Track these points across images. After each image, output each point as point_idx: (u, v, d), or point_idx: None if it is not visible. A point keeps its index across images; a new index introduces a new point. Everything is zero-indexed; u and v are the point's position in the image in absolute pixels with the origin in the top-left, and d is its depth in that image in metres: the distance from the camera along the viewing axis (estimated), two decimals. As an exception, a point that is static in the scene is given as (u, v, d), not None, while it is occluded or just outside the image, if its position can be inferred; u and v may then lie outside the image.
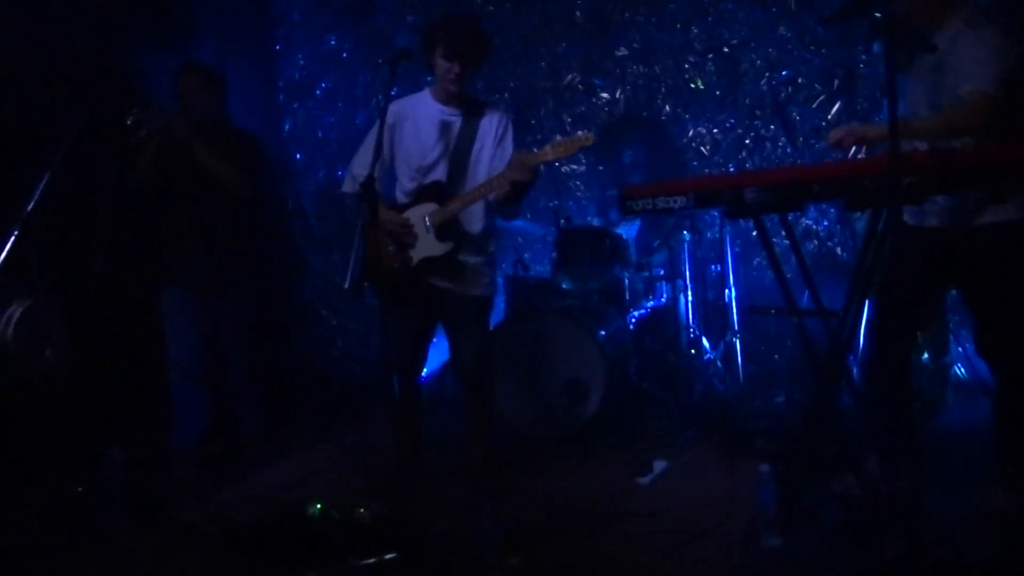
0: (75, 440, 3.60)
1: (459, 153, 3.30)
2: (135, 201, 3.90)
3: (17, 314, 3.29)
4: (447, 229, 3.25)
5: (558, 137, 3.12)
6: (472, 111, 3.33)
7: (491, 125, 3.33)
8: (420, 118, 3.33)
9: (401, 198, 3.41)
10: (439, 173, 3.31)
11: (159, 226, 3.98)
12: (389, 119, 3.27)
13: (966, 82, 2.61)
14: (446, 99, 3.32)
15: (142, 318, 4.08)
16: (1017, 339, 2.83)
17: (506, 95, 5.80)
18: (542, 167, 3.13)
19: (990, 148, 2.50)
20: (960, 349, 4.19)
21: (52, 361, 3.36)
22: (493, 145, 3.32)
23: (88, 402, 3.77)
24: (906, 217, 2.89)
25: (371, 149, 3.13)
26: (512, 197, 3.16)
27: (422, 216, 3.28)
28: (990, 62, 2.59)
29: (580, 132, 3.13)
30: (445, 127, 3.31)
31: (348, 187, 3.44)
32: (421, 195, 3.32)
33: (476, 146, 3.31)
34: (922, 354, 4.01)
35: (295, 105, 6.42)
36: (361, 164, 3.33)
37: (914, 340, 3.17)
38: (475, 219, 3.34)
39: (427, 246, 3.27)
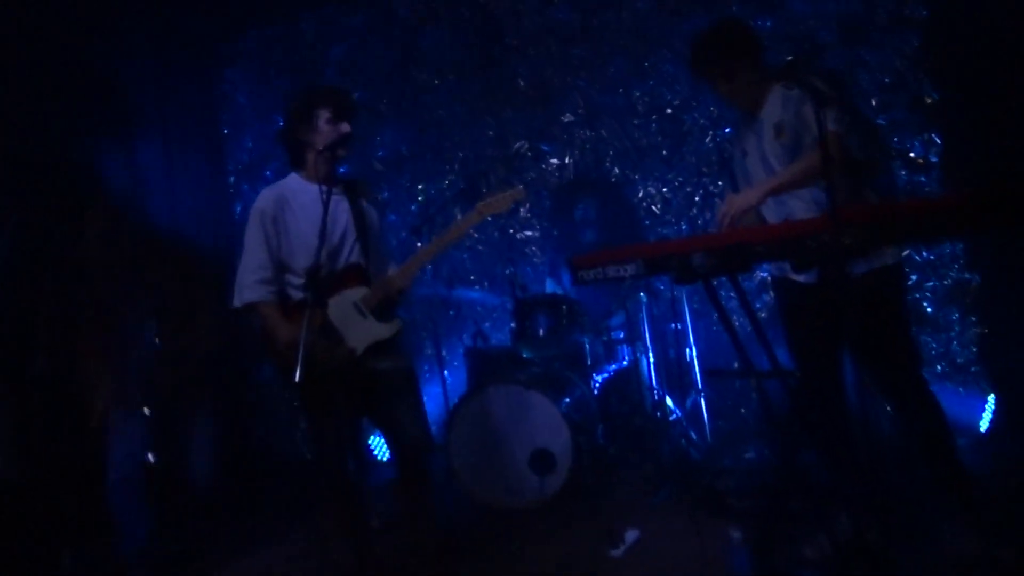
0: (25, 546, 3.45)
1: (361, 231, 3.12)
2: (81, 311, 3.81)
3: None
4: (386, 309, 3.10)
5: (484, 198, 3.09)
6: (348, 187, 3.18)
7: (369, 207, 3.23)
8: (305, 204, 3.08)
9: (295, 294, 3.09)
10: (353, 256, 3.12)
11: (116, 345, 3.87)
12: (269, 211, 3.07)
13: (813, 129, 2.73)
14: (321, 177, 3.03)
15: (87, 420, 3.96)
16: (901, 375, 2.95)
17: (456, 165, 5.83)
18: (473, 233, 3.10)
19: (927, 201, 2.55)
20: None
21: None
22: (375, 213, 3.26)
23: (37, 506, 3.63)
24: (795, 276, 2.99)
25: (263, 250, 3.02)
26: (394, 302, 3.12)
27: (351, 303, 3.07)
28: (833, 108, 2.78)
29: (508, 189, 3.09)
30: (335, 207, 3.05)
31: (238, 301, 3.09)
32: (340, 282, 3.08)
33: (370, 220, 3.19)
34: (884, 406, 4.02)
35: (245, 187, 6.40)
36: (252, 270, 3.05)
37: (839, 386, 3.16)
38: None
39: (371, 331, 3.07)
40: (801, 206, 3.03)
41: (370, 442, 4.96)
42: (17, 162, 4.27)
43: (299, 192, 3.12)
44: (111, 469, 3.73)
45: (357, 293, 3.08)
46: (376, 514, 3.80)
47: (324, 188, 2.90)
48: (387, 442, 3.30)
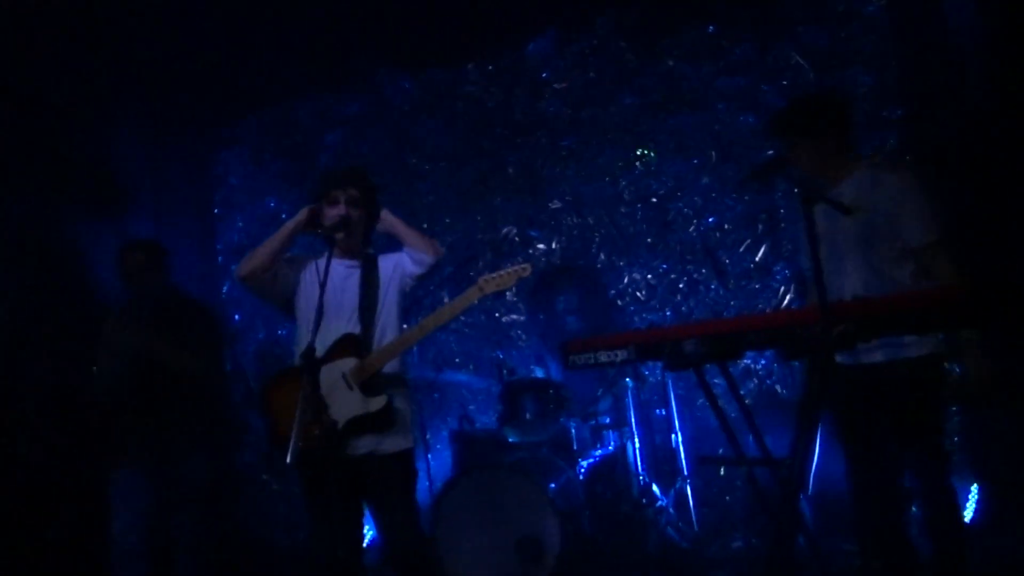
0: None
1: (366, 303, 3.15)
2: (89, 390, 3.80)
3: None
4: (374, 383, 3.03)
5: (492, 273, 3.05)
6: (370, 260, 3.24)
7: (387, 265, 3.24)
8: (318, 272, 3.08)
9: (296, 360, 3.09)
10: (349, 326, 3.12)
11: (112, 411, 3.85)
12: (296, 258, 3.28)
13: (918, 234, 2.88)
14: (343, 253, 3.18)
15: (86, 500, 3.89)
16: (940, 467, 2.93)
17: (445, 249, 5.88)
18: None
19: (916, 293, 2.62)
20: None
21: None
22: (397, 280, 3.23)
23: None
24: (839, 358, 3.01)
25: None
26: (404, 235, 3.21)
27: (340, 374, 3.03)
28: (929, 208, 2.89)
29: (515, 266, 3.04)
30: (345, 278, 3.18)
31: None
32: (333, 351, 3.06)
33: (381, 292, 3.18)
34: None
35: (233, 267, 6.42)
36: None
37: (899, 489, 3.15)
38: (391, 366, 3.12)
39: (354, 404, 3.00)
40: (854, 281, 3.03)
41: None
42: (12, 242, 4.30)
43: (320, 263, 3.13)
44: (115, 542, 3.67)
45: (347, 364, 3.04)
46: None
47: (324, 264, 2.95)
48: (378, 535, 3.16)
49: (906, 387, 2.94)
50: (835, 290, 3.08)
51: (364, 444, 3.03)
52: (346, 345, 3.07)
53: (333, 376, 3.03)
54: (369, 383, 3.03)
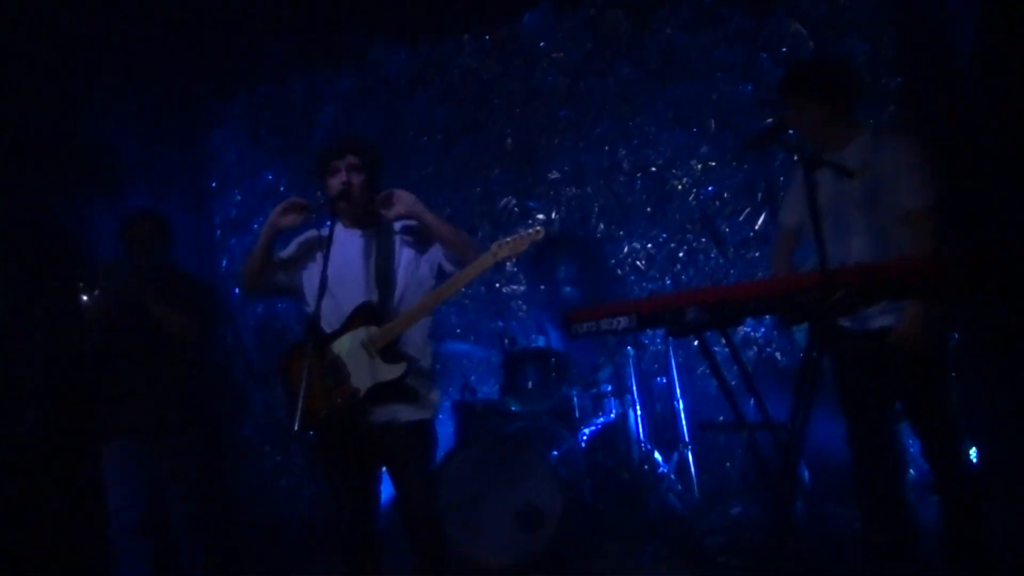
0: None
1: (381, 271, 3.13)
2: (78, 357, 3.77)
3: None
4: (393, 351, 3.03)
5: (506, 238, 2.97)
6: (383, 226, 3.21)
7: (404, 246, 3.20)
8: (332, 242, 3.11)
9: (304, 333, 3.05)
10: (367, 294, 3.11)
11: (103, 380, 3.81)
12: (302, 237, 3.26)
13: (914, 198, 2.90)
14: (354, 221, 3.22)
15: (79, 476, 3.90)
16: (945, 439, 2.95)
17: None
18: (427, 220, 3.03)
19: (913, 259, 2.64)
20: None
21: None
22: (411, 246, 3.19)
23: (22, 566, 3.56)
24: (846, 323, 3.04)
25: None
26: (429, 229, 3.07)
27: (359, 342, 3.04)
28: (927, 175, 2.92)
29: (528, 230, 2.96)
30: (358, 247, 3.19)
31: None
32: (351, 320, 3.08)
33: (396, 259, 3.17)
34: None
35: (232, 241, 6.44)
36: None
37: (898, 450, 3.19)
38: (413, 335, 3.13)
39: (373, 372, 3.01)
40: (861, 243, 3.05)
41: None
42: (6, 220, 4.29)
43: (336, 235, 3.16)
44: (112, 517, 3.67)
45: (366, 333, 3.05)
46: None
47: (326, 232, 2.98)
48: (397, 502, 3.18)
49: (909, 353, 2.95)
50: (840, 255, 3.09)
51: (384, 413, 3.05)
52: (364, 313, 3.07)
53: (353, 344, 3.05)
54: (388, 351, 3.02)
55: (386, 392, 3.03)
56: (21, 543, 3.62)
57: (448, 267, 3.17)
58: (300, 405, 2.65)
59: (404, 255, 3.17)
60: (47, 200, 4.66)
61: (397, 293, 3.14)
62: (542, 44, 5.74)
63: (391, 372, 3.00)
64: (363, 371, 3.02)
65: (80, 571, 3.92)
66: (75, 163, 4.99)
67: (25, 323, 3.80)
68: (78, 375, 3.89)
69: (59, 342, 3.79)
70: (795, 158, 2.55)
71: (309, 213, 3.11)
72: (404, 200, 3.07)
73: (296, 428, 2.65)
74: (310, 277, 3.22)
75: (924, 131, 4.58)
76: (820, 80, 3.12)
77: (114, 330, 3.73)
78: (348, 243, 3.19)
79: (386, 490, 3.28)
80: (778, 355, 5.12)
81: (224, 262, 6.45)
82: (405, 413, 3.07)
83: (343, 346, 3.07)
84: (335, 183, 3.12)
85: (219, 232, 6.50)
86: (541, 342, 5.14)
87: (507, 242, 2.95)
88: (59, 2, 4.52)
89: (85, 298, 3.56)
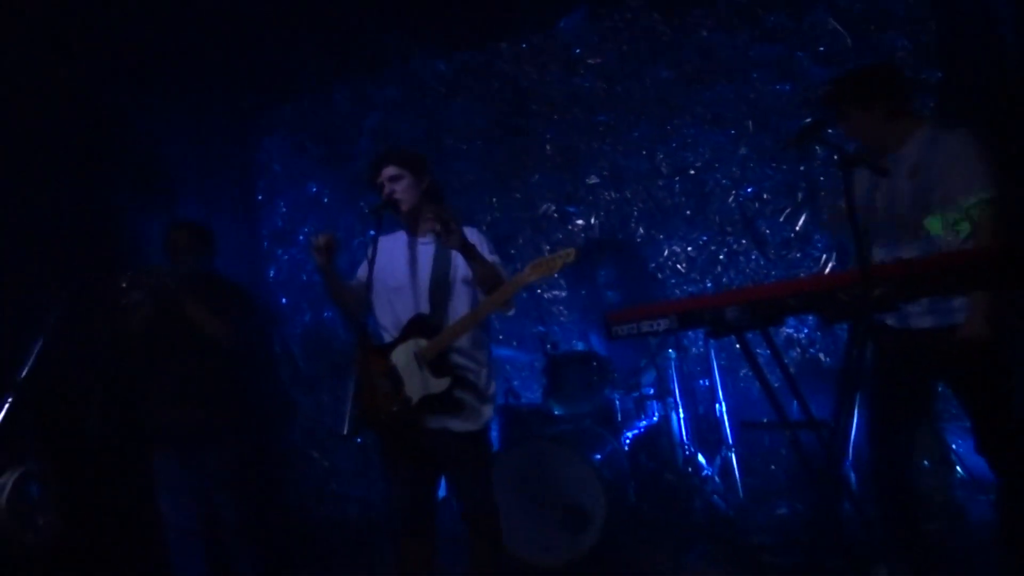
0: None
1: (436, 281, 3.17)
2: (126, 363, 3.89)
3: (10, 483, 3.25)
4: (441, 363, 3.08)
5: (537, 258, 3.03)
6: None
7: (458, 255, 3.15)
8: (392, 251, 3.29)
9: (384, 336, 3.27)
10: (419, 305, 3.17)
11: (149, 386, 3.93)
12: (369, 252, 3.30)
13: (970, 192, 2.86)
14: (413, 228, 3.29)
15: (135, 480, 4.03)
16: (1009, 433, 2.89)
17: (484, 228, 5.98)
18: (519, 287, 3.01)
19: (956, 253, 2.62)
20: (954, 447, 4.22)
21: (45, 530, 3.29)
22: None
23: (83, 569, 3.68)
24: (890, 321, 3.03)
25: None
26: (465, 257, 3.04)
27: (411, 353, 3.10)
28: (982, 166, 2.88)
29: (560, 250, 3.01)
30: (416, 256, 3.23)
31: None
32: (407, 331, 3.15)
33: (452, 270, 3.19)
34: (921, 460, 4.02)
35: (279, 251, 6.58)
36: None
37: (910, 444, 3.20)
38: (466, 350, 3.17)
39: (424, 383, 3.08)
40: (917, 241, 3.03)
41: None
42: (64, 230, 4.44)
43: (393, 242, 3.32)
44: (166, 522, 3.78)
45: (416, 344, 3.12)
46: None
47: (371, 239, 3.09)
48: (456, 505, 3.27)
49: (958, 355, 2.90)
50: (896, 253, 3.08)
51: (437, 420, 3.12)
52: (416, 325, 3.15)
53: (407, 355, 3.12)
54: (436, 363, 3.09)
55: (435, 403, 3.10)
56: (85, 546, 3.74)
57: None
58: (349, 409, 2.72)
59: (460, 267, 3.19)
60: (109, 211, 4.83)
61: (451, 305, 3.18)
62: (578, 50, 5.79)
63: (438, 385, 3.07)
64: (414, 382, 3.11)
65: (141, 571, 4.04)
66: (130, 175, 5.15)
67: (88, 329, 3.93)
68: (129, 382, 4.00)
69: (113, 347, 3.91)
70: (835, 157, 2.55)
71: (333, 246, 3.16)
72: (455, 237, 3.03)
73: (346, 432, 2.72)
74: (384, 282, 3.30)
75: (966, 125, 4.54)
76: (859, 86, 3.12)
77: (157, 334, 3.84)
78: (409, 251, 3.27)
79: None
80: (822, 356, 5.09)
81: (272, 272, 6.59)
82: (455, 424, 3.13)
83: (399, 356, 3.15)
84: (384, 195, 3.23)
85: (266, 243, 6.65)
86: (582, 346, 5.18)
87: (541, 262, 2.99)
88: (113, 19, 4.68)
89: (129, 299, 3.68)
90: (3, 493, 3.22)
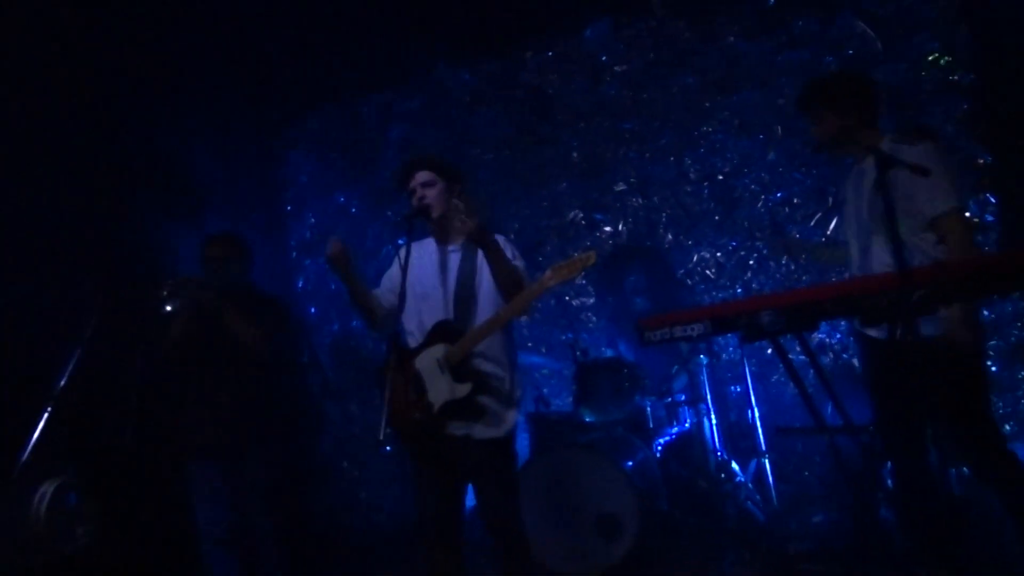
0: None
1: (462, 288, 3.16)
2: (162, 373, 3.93)
3: (49, 493, 3.27)
4: (463, 369, 3.07)
5: (558, 262, 3.01)
6: (470, 243, 3.19)
7: (483, 262, 3.13)
8: (421, 257, 3.27)
9: (410, 342, 3.24)
10: (445, 311, 3.16)
11: (185, 396, 3.97)
12: (395, 261, 3.34)
13: (935, 204, 2.92)
14: (442, 236, 3.29)
15: (172, 489, 4.06)
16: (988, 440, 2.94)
17: (511, 236, 5.98)
18: (547, 290, 3.02)
19: (996, 256, 2.61)
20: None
21: (84, 539, 3.31)
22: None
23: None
24: (873, 332, 3.03)
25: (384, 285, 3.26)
26: (487, 256, 3.04)
27: (434, 359, 3.10)
28: (947, 179, 2.92)
29: (578, 253, 3.00)
30: (444, 263, 3.24)
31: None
32: (431, 337, 3.15)
33: (478, 277, 3.18)
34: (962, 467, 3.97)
35: (307, 262, 6.62)
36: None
37: (924, 448, 3.14)
38: (490, 355, 3.14)
39: (446, 389, 3.06)
40: (883, 253, 3.07)
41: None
42: (95, 242, 4.50)
43: (422, 249, 3.32)
44: (202, 531, 3.81)
45: (440, 350, 3.11)
46: None
47: (404, 248, 3.06)
48: (479, 511, 3.23)
49: (940, 364, 2.91)
50: (864, 265, 3.14)
51: (459, 427, 3.11)
52: (440, 331, 3.15)
53: (430, 361, 3.12)
54: (458, 369, 3.08)
55: (458, 409, 3.08)
56: (123, 556, 3.77)
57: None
58: (384, 417, 2.72)
59: (486, 274, 3.16)
60: (138, 225, 4.89)
61: (476, 311, 3.17)
62: (604, 57, 5.79)
63: (459, 391, 3.06)
64: (437, 387, 3.10)
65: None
66: (160, 188, 5.21)
67: (121, 341, 3.96)
68: (165, 392, 4.04)
69: (149, 357, 3.94)
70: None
71: (347, 253, 3.18)
72: (473, 224, 3.05)
73: (381, 438, 2.71)
74: (393, 287, 3.34)
75: (999, 127, 4.50)
76: (837, 91, 3.20)
77: (194, 342, 3.88)
78: (437, 258, 3.28)
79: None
80: (855, 361, 5.03)
81: (300, 282, 6.64)
82: (479, 430, 3.10)
83: (423, 362, 3.15)
84: (413, 202, 3.23)
85: (295, 253, 6.70)
86: (611, 353, 5.16)
87: (561, 266, 2.98)
88: (139, 33, 4.75)
89: (168, 308, 3.71)
90: (42, 503, 3.24)
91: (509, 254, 3.15)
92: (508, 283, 3.07)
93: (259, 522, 3.94)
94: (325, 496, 6.21)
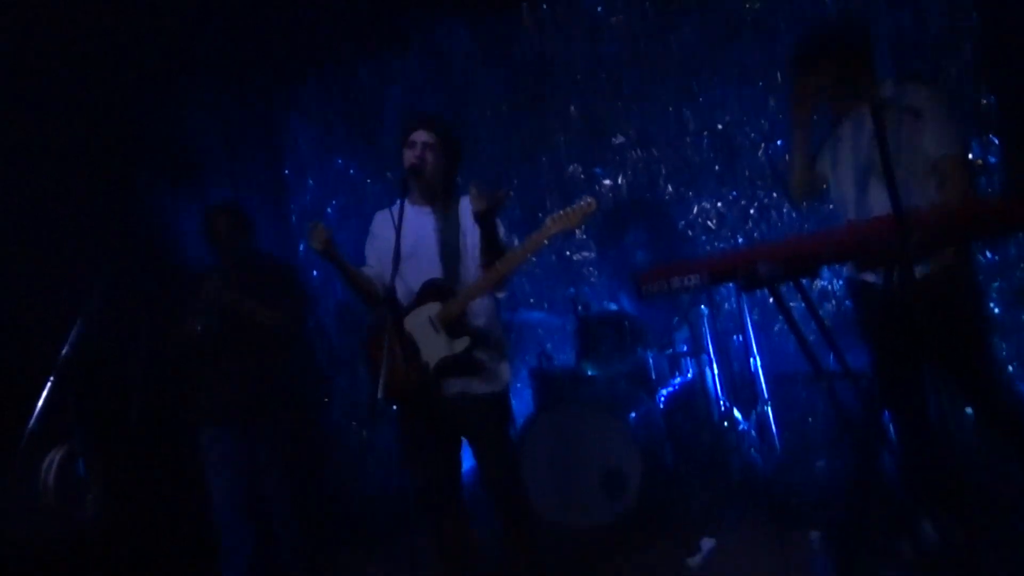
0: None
1: (446, 247, 3.22)
2: (175, 349, 3.94)
3: (57, 460, 3.31)
4: (457, 326, 3.11)
5: (559, 211, 2.99)
6: (447, 203, 3.29)
7: (468, 208, 3.15)
8: (394, 218, 3.16)
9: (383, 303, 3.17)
10: (432, 271, 3.21)
11: (198, 369, 3.96)
12: (372, 230, 3.42)
13: (940, 146, 2.87)
14: (419, 199, 3.31)
15: (183, 457, 4.10)
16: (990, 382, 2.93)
17: (511, 193, 5.93)
18: (545, 242, 3.00)
19: (989, 201, 2.58)
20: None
21: (93, 506, 3.36)
22: (475, 228, 3.12)
23: (131, 546, 3.77)
24: (870, 278, 3.01)
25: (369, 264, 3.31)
26: (485, 236, 3.04)
27: (427, 318, 3.15)
28: (953, 122, 2.90)
29: (579, 202, 2.97)
30: (422, 224, 3.26)
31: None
32: (419, 297, 3.20)
33: (462, 238, 3.23)
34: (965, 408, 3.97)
35: (308, 227, 6.58)
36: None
37: (923, 393, 3.14)
38: (481, 311, 3.21)
39: (441, 347, 3.11)
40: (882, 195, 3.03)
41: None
42: (96, 214, 4.49)
43: (394, 211, 3.24)
44: (215, 498, 3.85)
45: (432, 309, 3.14)
46: None
47: (396, 209, 3.04)
48: (478, 470, 3.28)
49: (939, 305, 2.86)
50: (861, 207, 3.10)
51: (456, 384, 3.15)
52: (430, 290, 3.17)
53: (422, 320, 3.15)
54: (453, 326, 3.11)
55: (454, 366, 3.12)
56: (133, 523, 3.83)
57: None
58: (382, 378, 2.73)
59: (471, 231, 3.19)
60: (136, 192, 4.88)
61: (464, 269, 3.21)
62: (600, 9, 5.69)
63: (456, 347, 3.09)
64: (431, 346, 3.13)
65: (189, 548, 4.13)
66: (159, 157, 5.19)
67: (128, 316, 3.99)
68: (177, 364, 4.06)
69: (159, 334, 3.96)
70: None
71: (326, 233, 3.20)
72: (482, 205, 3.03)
73: (380, 397, 2.72)
74: (376, 250, 3.38)
75: (1003, 69, 4.43)
76: (832, 39, 3.13)
77: (211, 329, 3.86)
78: (416, 220, 3.27)
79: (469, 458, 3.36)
80: (858, 308, 5.02)
81: (301, 247, 6.63)
82: (476, 386, 3.15)
83: (413, 322, 3.17)
84: (410, 156, 3.21)
85: (295, 218, 6.68)
86: (614, 307, 5.16)
87: (560, 216, 2.96)
88: (140, 6, 4.70)
89: (199, 328, 3.74)
90: (50, 471, 3.29)
91: (502, 233, 3.16)
92: (490, 260, 3.09)
93: (273, 488, 3.98)
94: (334, 463, 6.25)
